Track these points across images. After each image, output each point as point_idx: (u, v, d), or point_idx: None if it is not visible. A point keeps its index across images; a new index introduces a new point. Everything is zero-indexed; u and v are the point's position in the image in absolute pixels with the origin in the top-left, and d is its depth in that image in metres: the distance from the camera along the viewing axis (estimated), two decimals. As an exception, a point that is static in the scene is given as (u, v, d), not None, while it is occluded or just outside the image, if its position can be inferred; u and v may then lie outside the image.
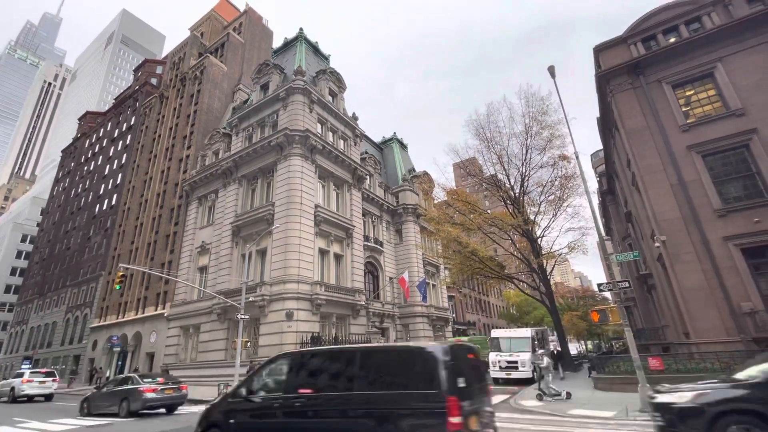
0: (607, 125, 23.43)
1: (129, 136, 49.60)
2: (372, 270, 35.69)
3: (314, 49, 37.18)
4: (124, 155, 48.60)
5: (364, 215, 34.78)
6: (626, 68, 18.74)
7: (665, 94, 17.78)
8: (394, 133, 48.38)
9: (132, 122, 50.41)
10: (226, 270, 28.31)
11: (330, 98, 33.34)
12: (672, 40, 18.75)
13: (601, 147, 36.60)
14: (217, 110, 41.46)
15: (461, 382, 4.86)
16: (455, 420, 4.52)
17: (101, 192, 49.85)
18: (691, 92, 17.67)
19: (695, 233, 15.37)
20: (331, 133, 32.45)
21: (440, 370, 4.76)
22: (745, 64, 16.45)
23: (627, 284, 12.01)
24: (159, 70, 54.72)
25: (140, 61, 65.61)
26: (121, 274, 19.50)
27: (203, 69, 42.09)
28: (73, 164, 61.08)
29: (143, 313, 34.87)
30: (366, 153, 38.80)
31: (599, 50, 20.39)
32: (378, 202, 37.62)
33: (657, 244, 16.39)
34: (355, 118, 35.77)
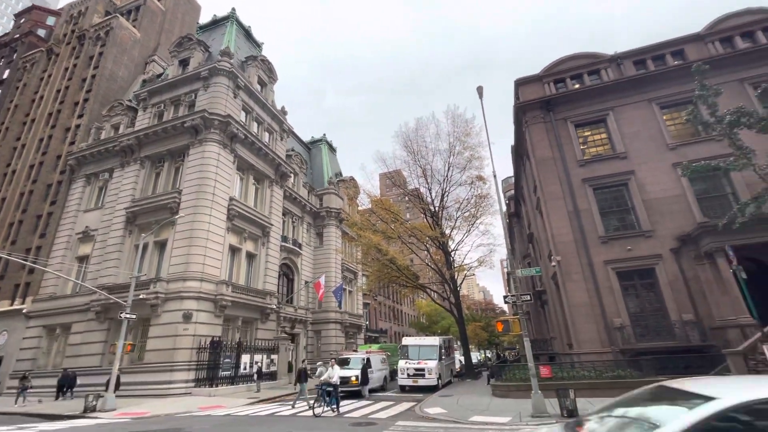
0: (519, 153, 25.78)
1: (-2, 92, 40.74)
2: (287, 272, 34.08)
3: (246, 33, 34.81)
4: (-11, 114, 39.70)
5: (284, 214, 33.17)
6: (540, 104, 20.87)
7: (569, 131, 20.15)
8: (324, 134, 47.42)
9: (5, 75, 41.56)
10: (113, 261, 24.48)
11: (258, 87, 31.36)
12: (576, 86, 21.43)
13: (509, 174, 40.43)
14: (122, 79, 36.29)
15: None
16: None
17: (-52, 155, 39.90)
18: (588, 133, 20.32)
19: (584, 256, 17.50)
20: (256, 124, 30.46)
21: None
22: (629, 115, 19.44)
23: (529, 297, 13.04)
24: (51, 21, 46.26)
25: (26, 6, 54.71)
26: (-39, 257, 15.49)
27: (109, 30, 36.62)
28: None
29: (-7, 308, 28.39)
30: (292, 150, 37.26)
31: (520, 83, 22.40)
32: (301, 202, 36.25)
33: (553, 264, 18.28)
34: (284, 112, 34.17)
